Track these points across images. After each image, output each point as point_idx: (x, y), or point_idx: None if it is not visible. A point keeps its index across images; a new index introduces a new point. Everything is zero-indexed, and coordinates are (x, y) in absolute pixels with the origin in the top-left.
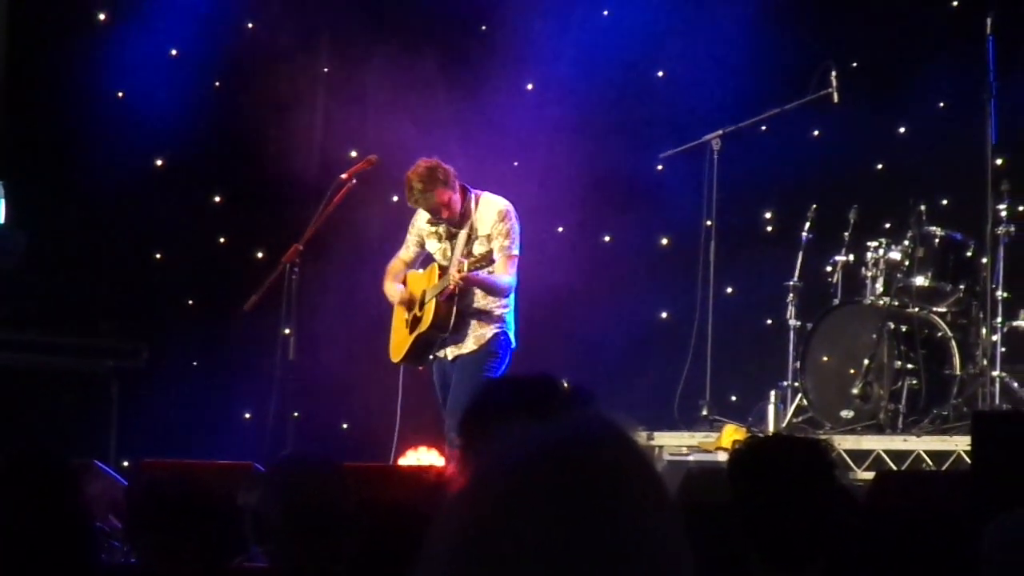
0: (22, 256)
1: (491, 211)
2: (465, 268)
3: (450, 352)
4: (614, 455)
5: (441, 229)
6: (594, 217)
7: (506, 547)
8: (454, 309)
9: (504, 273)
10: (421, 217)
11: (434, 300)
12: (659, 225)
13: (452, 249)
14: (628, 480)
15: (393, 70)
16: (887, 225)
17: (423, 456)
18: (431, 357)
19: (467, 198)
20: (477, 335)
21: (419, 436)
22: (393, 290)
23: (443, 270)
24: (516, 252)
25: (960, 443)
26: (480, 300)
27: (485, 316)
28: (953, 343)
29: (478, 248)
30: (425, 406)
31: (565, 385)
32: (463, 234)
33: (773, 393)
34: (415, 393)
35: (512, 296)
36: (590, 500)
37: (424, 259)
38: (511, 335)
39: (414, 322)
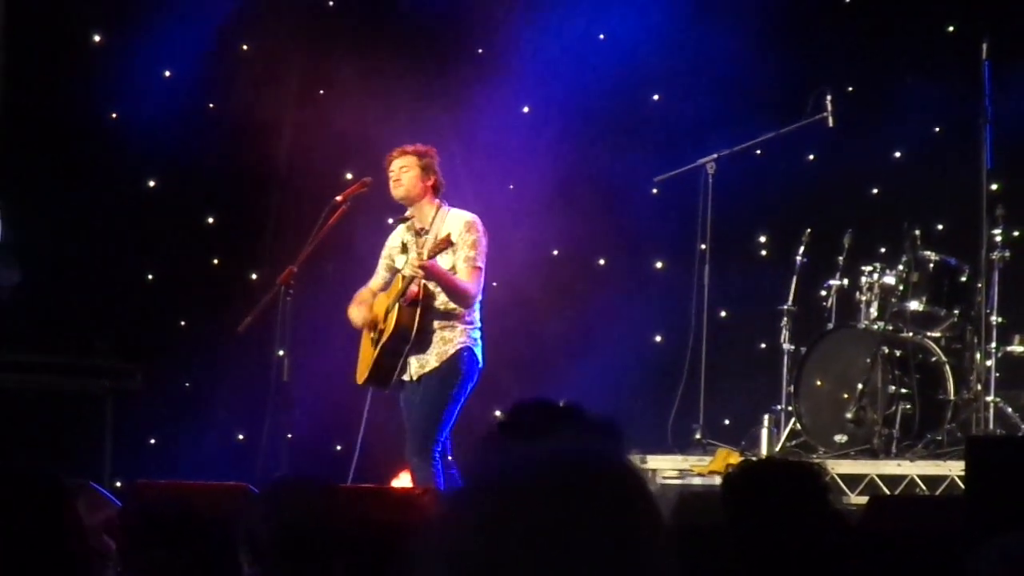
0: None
1: (458, 222)
2: (425, 255)
3: (414, 371)
4: (606, 474)
5: (408, 239)
6: (589, 240)
7: (498, 567)
8: (417, 314)
9: (467, 279)
10: (392, 239)
11: (397, 306)
12: (653, 248)
13: None
14: (621, 501)
15: (389, 92)
16: (882, 250)
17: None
18: (398, 380)
19: (439, 209)
20: (440, 352)
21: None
22: (356, 313)
23: (408, 292)
24: (480, 264)
25: (954, 468)
26: (444, 313)
27: (449, 330)
28: (947, 368)
29: (443, 257)
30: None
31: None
32: (429, 242)
33: (767, 417)
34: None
35: (478, 313)
36: (582, 520)
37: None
38: (477, 353)
39: (378, 338)
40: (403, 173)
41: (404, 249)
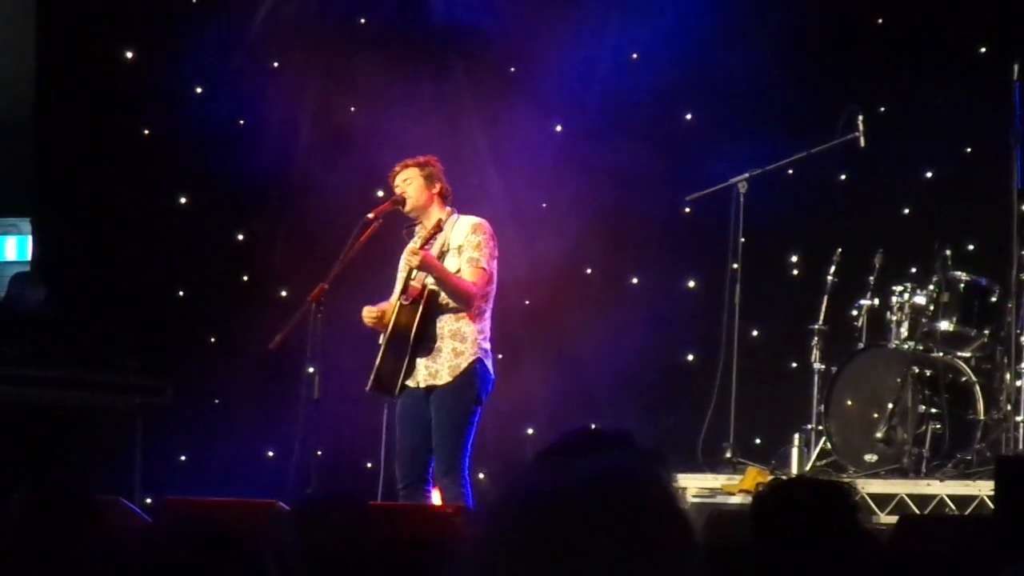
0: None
1: (466, 224)
2: (417, 244)
3: (422, 379)
4: (644, 493)
5: (409, 249)
6: (621, 259)
7: None
8: (418, 314)
9: (469, 278)
10: (406, 251)
11: (398, 305)
12: (685, 267)
13: None
14: (656, 518)
15: (421, 110)
16: (912, 269)
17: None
18: (403, 385)
19: (450, 216)
20: (452, 365)
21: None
22: (365, 313)
23: (410, 288)
24: (485, 266)
25: (983, 488)
26: (449, 318)
27: (459, 341)
28: (977, 388)
29: (449, 260)
30: None
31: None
32: (436, 247)
33: (797, 436)
34: None
35: (487, 323)
36: (615, 539)
37: None
38: (489, 365)
39: (383, 339)
40: (407, 186)
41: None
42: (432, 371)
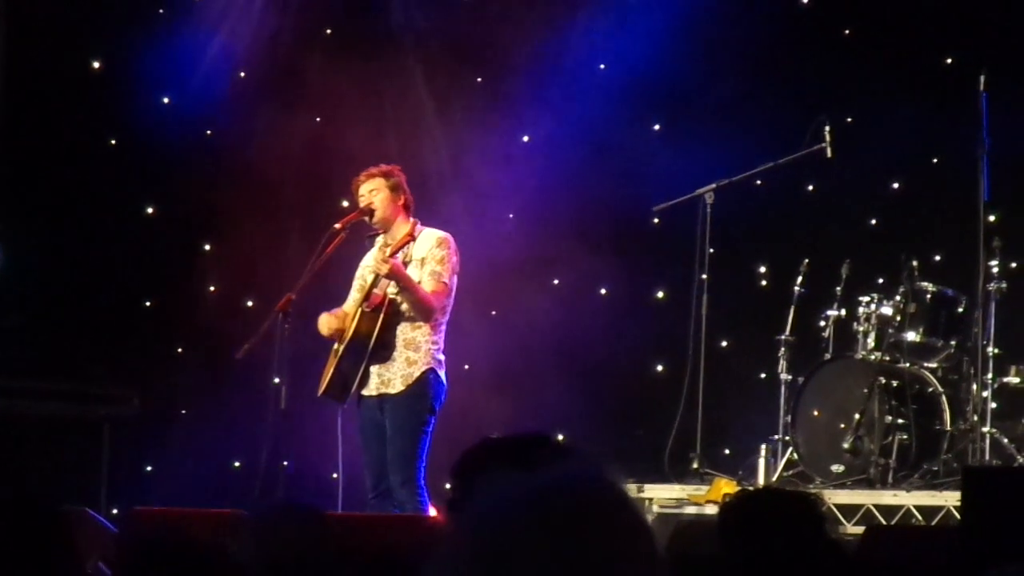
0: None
1: (430, 238)
2: (388, 252)
3: (375, 387)
4: (602, 505)
5: (378, 256)
6: (589, 269)
7: None
8: (379, 322)
9: (430, 291)
10: (366, 259)
11: (359, 312)
12: (653, 278)
13: None
14: (617, 531)
15: (387, 120)
16: (880, 280)
17: None
18: (356, 394)
19: (413, 227)
20: (405, 374)
21: None
22: (324, 320)
23: (372, 295)
24: (447, 281)
25: (950, 498)
26: (407, 328)
27: (413, 349)
28: (944, 399)
29: (410, 271)
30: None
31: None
32: (399, 259)
33: (764, 446)
34: None
35: (442, 335)
36: (578, 550)
37: None
38: (442, 375)
39: (340, 345)
40: (374, 196)
41: None
42: (385, 379)
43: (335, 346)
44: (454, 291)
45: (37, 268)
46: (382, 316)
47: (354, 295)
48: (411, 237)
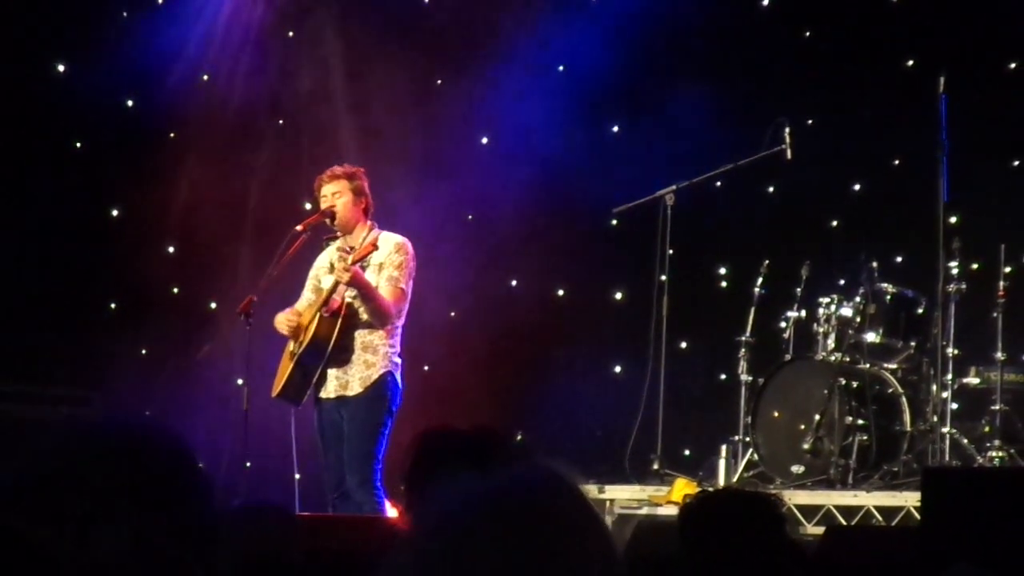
0: None
1: (388, 243)
2: (349, 261)
3: (333, 390)
4: (557, 505)
5: (335, 258)
6: (548, 271)
7: None
8: (337, 327)
9: (388, 297)
10: (320, 259)
11: (317, 317)
12: (612, 279)
13: None
14: (572, 531)
15: (345, 123)
16: (840, 281)
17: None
18: (313, 396)
19: (371, 231)
20: (363, 376)
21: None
22: (282, 319)
23: (330, 300)
24: (404, 286)
25: (910, 499)
26: (364, 333)
27: (371, 352)
28: (903, 399)
29: (368, 275)
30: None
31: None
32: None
33: (724, 447)
34: None
35: (398, 338)
36: (533, 550)
37: None
38: (398, 377)
39: (297, 349)
40: (336, 199)
41: (332, 269)
42: (342, 382)
43: (290, 347)
44: (410, 295)
45: (1, 269)
46: (340, 321)
47: (307, 295)
48: (374, 247)
